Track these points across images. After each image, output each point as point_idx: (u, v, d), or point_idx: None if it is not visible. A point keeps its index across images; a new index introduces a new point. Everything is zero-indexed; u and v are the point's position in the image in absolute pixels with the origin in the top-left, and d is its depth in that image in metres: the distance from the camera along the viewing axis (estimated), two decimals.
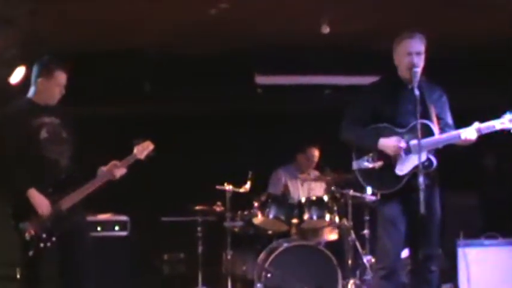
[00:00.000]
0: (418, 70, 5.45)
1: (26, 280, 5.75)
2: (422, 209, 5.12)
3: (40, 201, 5.55)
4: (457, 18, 7.54)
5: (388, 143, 5.49)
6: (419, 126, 5.27)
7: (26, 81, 6.21)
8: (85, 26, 7.64)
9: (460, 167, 9.04)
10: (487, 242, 7.76)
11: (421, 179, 5.15)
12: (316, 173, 8.54)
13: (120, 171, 5.88)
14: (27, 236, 5.52)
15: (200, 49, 8.41)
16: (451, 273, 7.89)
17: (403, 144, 5.45)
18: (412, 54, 5.49)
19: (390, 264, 5.59)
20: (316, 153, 8.57)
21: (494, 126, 5.36)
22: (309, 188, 8.46)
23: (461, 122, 5.49)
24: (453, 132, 5.46)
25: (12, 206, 5.63)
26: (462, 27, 7.74)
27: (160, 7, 7.23)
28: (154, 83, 8.84)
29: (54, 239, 5.57)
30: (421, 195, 5.13)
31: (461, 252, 7.67)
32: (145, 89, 8.88)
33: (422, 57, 5.52)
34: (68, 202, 5.68)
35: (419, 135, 5.26)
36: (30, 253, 5.52)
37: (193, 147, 9.37)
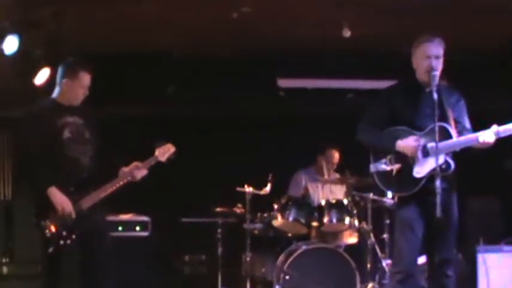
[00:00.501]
0: (437, 73, 5.45)
1: (47, 277, 5.83)
2: (438, 212, 5.12)
3: (61, 200, 5.62)
4: (476, 21, 7.55)
5: (406, 144, 5.50)
6: (437, 129, 5.28)
7: (50, 83, 6.28)
8: (110, 27, 7.72)
9: (483, 172, 9.05)
10: (506, 248, 7.72)
11: (438, 182, 5.15)
12: (336, 176, 8.55)
13: (141, 173, 5.94)
14: (47, 233, 5.60)
15: (223, 52, 8.48)
16: (470, 279, 7.87)
17: (421, 142, 5.46)
18: (431, 58, 5.49)
19: (406, 268, 5.56)
20: (336, 155, 8.58)
21: None
22: (329, 191, 8.47)
23: (480, 125, 5.49)
24: (471, 135, 5.45)
25: (34, 203, 5.72)
26: (480, 30, 7.75)
27: (184, 9, 7.28)
28: (177, 84, 8.89)
29: (74, 236, 5.64)
30: (438, 199, 5.12)
31: (480, 257, 7.63)
32: (168, 91, 8.93)
33: (441, 60, 5.53)
34: (88, 201, 5.75)
35: (437, 138, 5.27)
36: (50, 250, 5.60)
37: (214, 149, 9.42)
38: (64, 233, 5.62)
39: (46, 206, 5.60)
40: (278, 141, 9.48)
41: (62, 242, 5.62)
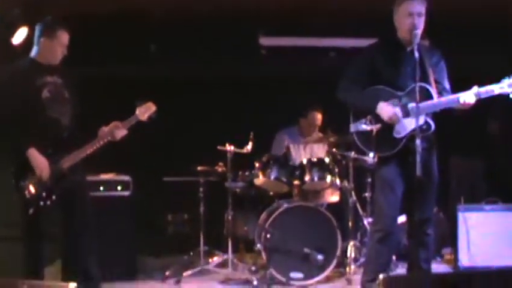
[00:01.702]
0: (419, 32, 5.45)
1: (27, 239, 5.81)
2: (418, 171, 5.14)
3: (39, 162, 5.61)
4: None
5: (386, 109, 5.50)
6: (418, 89, 5.28)
7: (28, 42, 6.22)
8: None
9: (467, 133, 9.08)
10: (487, 207, 7.76)
11: (418, 142, 5.16)
12: (319, 135, 8.55)
13: (121, 132, 5.94)
14: (27, 194, 5.60)
15: (204, 11, 8.39)
16: (451, 237, 7.94)
17: (399, 112, 5.46)
18: (414, 15, 5.49)
19: (386, 226, 5.63)
20: (318, 116, 8.58)
21: (493, 91, 5.39)
22: (311, 150, 8.45)
23: (461, 87, 5.49)
24: (452, 96, 5.47)
25: (13, 165, 5.70)
26: None
27: None
28: (159, 44, 8.83)
29: (54, 197, 5.63)
30: (418, 158, 5.14)
31: (461, 216, 7.67)
32: (151, 50, 8.87)
33: (423, 19, 5.53)
34: (68, 161, 5.75)
35: (418, 99, 5.27)
36: (30, 211, 5.60)
37: (196, 108, 9.37)
38: (44, 194, 5.62)
39: (25, 167, 5.60)
40: (260, 100, 9.43)
41: (42, 203, 5.62)
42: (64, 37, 5.90)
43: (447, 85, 5.66)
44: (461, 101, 5.36)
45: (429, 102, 5.44)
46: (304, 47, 9.18)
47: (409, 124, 5.45)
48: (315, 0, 7.87)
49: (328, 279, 7.23)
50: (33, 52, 5.94)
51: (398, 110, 5.47)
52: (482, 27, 8.44)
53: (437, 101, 5.47)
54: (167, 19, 8.50)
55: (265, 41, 9.04)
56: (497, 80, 5.41)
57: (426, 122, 5.48)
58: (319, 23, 8.71)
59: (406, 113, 5.49)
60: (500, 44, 8.62)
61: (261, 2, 8.13)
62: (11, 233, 6.31)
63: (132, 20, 8.39)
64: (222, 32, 8.65)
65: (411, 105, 5.43)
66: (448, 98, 5.47)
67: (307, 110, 8.61)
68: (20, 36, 7.16)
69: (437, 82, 5.56)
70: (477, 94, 5.37)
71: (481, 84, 5.41)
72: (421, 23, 5.51)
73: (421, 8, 5.53)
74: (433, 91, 5.47)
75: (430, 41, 7.27)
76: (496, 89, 5.38)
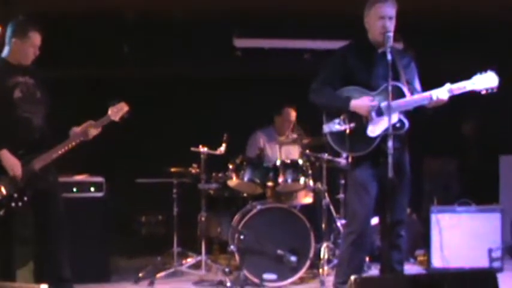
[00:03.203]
0: (391, 34, 5.47)
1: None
2: (390, 173, 5.16)
3: (11, 162, 5.58)
4: None
5: (360, 103, 5.52)
6: (390, 88, 5.30)
7: (0, 42, 6.19)
8: None
9: (441, 134, 9.13)
10: (460, 208, 7.81)
11: (390, 143, 5.19)
12: (294, 136, 8.56)
13: (93, 132, 5.90)
14: None
15: (179, 12, 8.39)
16: (424, 238, 7.98)
17: (374, 103, 5.48)
18: (385, 19, 5.52)
19: (359, 228, 5.62)
20: (292, 113, 8.56)
21: (465, 87, 5.44)
22: (287, 151, 8.48)
23: (433, 87, 5.52)
24: (425, 93, 5.51)
25: None
26: None
27: None
28: (132, 45, 8.81)
29: (26, 198, 5.60)
30: (390, 159, 5.16)
31: (434, 218, 7.71)
32: (124, 50, 8.85)
33: (393, 21, 5.55)
34: (40, 162, 5.71)
35: (390, 97, 5.29)
36: (1, 212, 5.56)
37: (169, 109, 9.37)
38: (15, 195, 5.59)
39: None
40: (234, 102, 9.44)
41: (13, 204, 5.59)
42: (36, 38, 5.86)
43: (418, 86, 5.70)
44: (434, 97, 5.41)
45: (402, 100, 5.47)
46: (278, 48, 9.20)
47: (383, 123, 5.46)
48: (289, 2, 7.87)
49: (301, 281, 7.23)
50: (5, 52, 5.91)
51: (374, 102, 5.48)
52: (453, 28, 8.52)
53: (410, 98, 5.50)
54: (140, 20, 8.50)
55: (239, 42, 9.06)
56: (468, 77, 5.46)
57: (400, 120, 5.50)
58: (293, 25, 8.74)
59: (380, 112, 5.50)
60: (471, 44, 8.69)
61: (236, 4, 8.13)
62: None
63: (105, 21, 8.38)
64: (195, 33, 8.66)
65: (384, 103, 5.44)
66: (421, 96, 5.50)
67: (281, 106, 8.60)
68: None
69: (408, 83, 5.58)
70: (450, 91, 5.42)
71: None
72: (392, 26, 5.54)
73: (391, 11, 5.56)
74: (405, 89, 5.50)
75: (404, 44, 7.32)
76: (467, 85, 5.44)
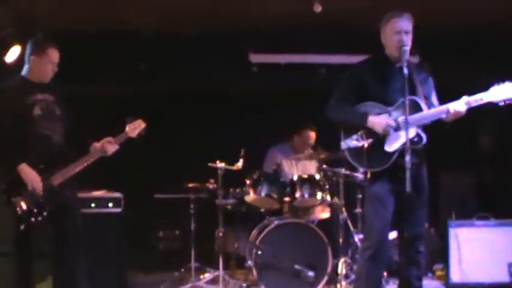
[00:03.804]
0: (407, 48, 5.46)
1: (19, 255, 5.80)
2: (408, 187, 5.14)
3: (31, 177, 5.61)
4: None
5: (378, 121, 5.51)
6: (407, 102, 5.30)
7: (22, 60, 6.25)
8: (80, 5, 7.66)
9: (458, 148, 9.11)
10: (478, 222, 7.76)
11: (407, 158, 5.16)
12: (310, 152, 8.55)
13: (112, 148, 5.94)
14: (18, 210, 5.59)
15: (194, 28, 8.44)
16: (442, 253, 7.94)
17: (392, 122, 5.47)
18: (401, 33, 5.50)
19: (376, 243, 5.56)
20: (312, 135, 8.52)
21: (482, 99, 5.39)
22: (303, 167, 8.48)
23: (449, 100, 5.52)
24: (442, 107, 5.47)
25: (4, 181, 5.69)
26: (448, 7, 7.79)
27: None
28: (149, 62, 8.86)
29: (45, 213, 5.63)
30: (408, 174, 5.15)
31: (452, 232, 7.69)
32: (141, 68, 8.90)
33: (410, 36, 5.54)
34: (59, 178, 5.75)
35: (407, 112, 5.29)
36: (22, 227, 5.60)
37: (187, 125, 9.40)
38: (35, 210, 5.62)
39: (16, 183, 5.60)
40: (251, 117, 9.46)
41: (33, 219, 5.62)
42: (54, 54, 5.92)
43: (435, 101, 5.67)
44: (451, 110, 5.37)
45: (419, 114, 5.44)
46: (294, 63, 9.22)
47: (400, 138, 5.44)
48: (305, 17, 7.90)
49: None
50: (24, 70, 5.97)
51: (391, 119, 5.47)
52: (469, 40, 8.52)
53: (427, 112, 5.47)
54: (157, 37, 8.55)
55: (255, 57, 9.08)
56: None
57: (417, 135, 5.47)
58: (309, 39, 8.77)
59: (397, 127, 5.49)
60: (487, 56, 8.69)
61: (251, 19, 8.17)
62: (3, 249, 6.31)
63: (123, 39, 8.44)
64: (212, 49, 8.70)
65: (401, 118, 5.43)
66: (438, 109, 5.47)
67: (301, 127, 8.56)
68: (13, 54, 7.19)
69: (425, 98, 5.57)
70: (467, 103, 5.38)
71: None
72: (408, 40, 5.53)
73: (408, 26, 5.55)
74: (423, 103, 5.48)
75: (420, 58, 7.32)
76: (485, 97, 5.38)
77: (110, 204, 7.47)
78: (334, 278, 7.34)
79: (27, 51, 5.95)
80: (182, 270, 7.79)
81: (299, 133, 8.60)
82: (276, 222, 7.25)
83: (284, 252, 7.09)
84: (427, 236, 7.56)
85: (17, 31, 7.25)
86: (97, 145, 5.94)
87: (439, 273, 8.20)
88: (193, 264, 7.69)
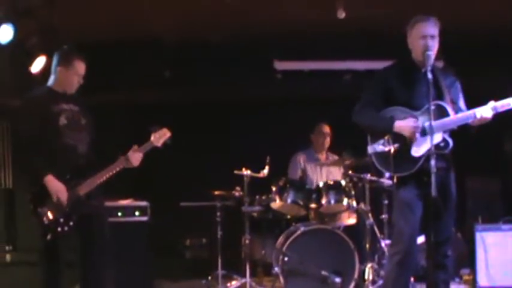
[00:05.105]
0: (432, 53, 5.45)
1: (46, 264, 5.84)
2: (434, 192, 5.12)
3: (57, 187, 5.63)
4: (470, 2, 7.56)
5: (404, 124, 5.50)
6: (432, 107, 5.28)
7: (46, 71, 6.30)
8: (104, 15, 7.71)
9: (484, 152, 9.06)
10: (505, 226, 7.73)
11: (432, 162, 5.15)
12: (335, 157, 8.54)
13: (137, 158, 5.93)
14: (45, 220, 5.63)
15: (219, 36, 8.48)
16: (469, 257, 7.91)
17: (418, 124, 5.45)
18: (427, 37, 5.49)
19: (405, 248, 5.53)
20: (326, 129, 8.54)
21: (509, 104, 5.37)
22: (327, 172, 8.48)
23: (475, 105, 5.49)
24: (468, 112, 5.45)
25: (31, 191, 5.73)
26: (475, 11, 7.76)
27: None
28: (174, 70, 8.90)
29: (72, 223, 5.66)
30: (433, 178, 5.13)
31: (479, 236, 7.65)
32: (166, 75, 8.94)
33: (437, 40, 5.52)
34: (85, 187, 5.77)
35: (432, 117, 5.28)
36: (48, 237, 5.63)
37: (212, 132, 9.43)
38: (61, 220, 5.65)
39: (43, 194, 5.63)
40: (276, 124, 9.49)
41: (59, 229, 5.65)
42: (80, 66, 5.96)
43: (463, 105, 5.64)
44: (478, 115, 5.35)
45: (446, 119, 5.43)
46: (318, 70, 9.22)
47: (427, 143, 5.41)
48: (329, 24, 7.91)
49: None
50: (50, 81, 6.02)
51: (418, 124, 5.46)
52: (495, 45, 8.48)
53: (454, 117, 5.46)
54: (182, 45, 8.59)
55: (279, 65, 9.10)
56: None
57: (444, 140, 5.45)
58: (333, 46, 8.77)
59: (424, 132, 5.47)
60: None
61: (275, 27, 8.19)
62: (30, 258, 6.36)
63: (146, 47, 8.49)
64: (236, 57, 8.73)
65: (428, 123, 5.41)
66: (465, 114, 5.46)
67: (314, 124, 8.62)
68: (38, 64, 7.26)
69: (453, 102, 5.55)
70: (494, 108, 5.36)
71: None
72: (434, 45, 5.51)
73: (434, 30, 5.53)
74: (449, 108, 5.46)
75: (444, 62, 7.28)
76: None
77: (137, 213, 7.52)
78: (361, 283, 7.33)
79: (54, 62, 6.00)
80: (209, 278, 7.81)
81: (314, 131, 8.62)
82: (303, 228, 7.25)
83: (311, 258, 7.09)
84: (454, 240, 7.49)
85: (42, 42, 7.32)
86: (128, 156, 5.94)
87: (466, 277, 8.15)
88: (220, 271, 7.70)
